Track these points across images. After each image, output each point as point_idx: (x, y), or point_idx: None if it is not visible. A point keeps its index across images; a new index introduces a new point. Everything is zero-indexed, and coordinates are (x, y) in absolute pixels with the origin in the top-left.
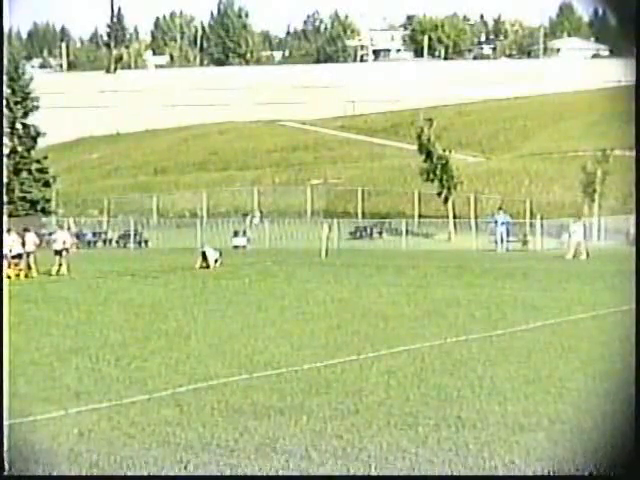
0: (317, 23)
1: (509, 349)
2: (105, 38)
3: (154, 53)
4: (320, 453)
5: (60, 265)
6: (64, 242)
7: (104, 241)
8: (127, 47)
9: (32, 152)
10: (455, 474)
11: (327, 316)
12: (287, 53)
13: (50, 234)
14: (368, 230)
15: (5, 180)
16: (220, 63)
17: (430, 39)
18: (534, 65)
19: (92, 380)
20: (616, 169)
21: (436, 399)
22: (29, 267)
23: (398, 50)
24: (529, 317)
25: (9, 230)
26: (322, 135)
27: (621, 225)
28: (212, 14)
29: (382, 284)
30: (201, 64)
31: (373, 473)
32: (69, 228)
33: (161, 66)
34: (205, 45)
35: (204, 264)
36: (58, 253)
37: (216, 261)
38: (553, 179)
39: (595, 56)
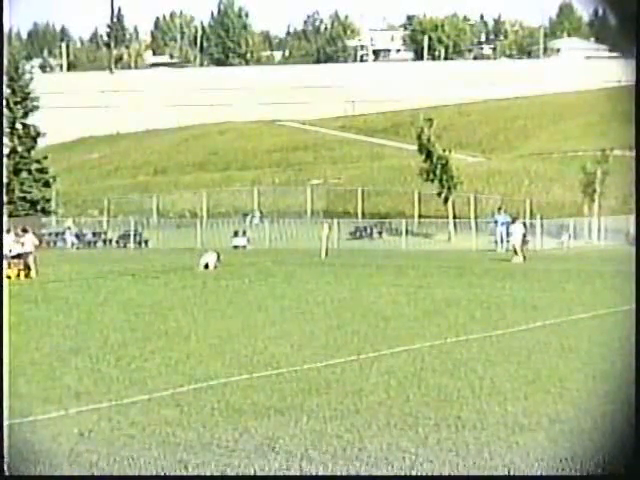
0: (317, 23)
1: (509, 349)
2: (105, 38)
3: (154, 53)
4: (320, 453)
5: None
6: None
7: (104, 241)
8: (127, 47)
9: (32, 152)
10: (455, 474)
11: (327, 316)
12: (287, 53)
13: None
14: (368, 230)
15: (5, 180)
16: (220, 63)
17: (430, 39)
18: (534, 65)
19: (92, 380)
20: (616, 169)
21: (436, 399)
22: (28, 267)
23: (398, 50)
24: (529, 317)
25: (8, 230)
26: (322, 135)
27: (621, 225)
28: (212, 14)
29: (382, 284)
30: (201, 64)
31: (373, 473)
32: (69, 228)
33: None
34: (205, 45)
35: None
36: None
37: (217, 260)
38: (553, 179)
39: (595, 56)
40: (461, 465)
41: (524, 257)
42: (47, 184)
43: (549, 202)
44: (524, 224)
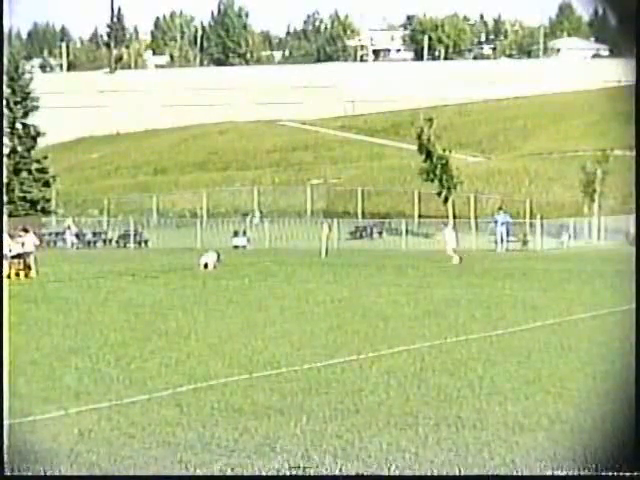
0: (317, 23)
1: (509, 349)
2: (105, 38)
3: (154, 53)
4: (320, 453)
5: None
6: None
7: (104, 241)
8: (127, 47)
9: (32, 152)
10: (455, 474)
11: (327, 316)
12: (287, 53)
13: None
14: (368, 230)
15: (5, 180)
16: (220, 63)
17: (430, 39)
18: (534, 65)
19: (92, 380)
20: (616, 169)
21: (436, 399)
22: (28, 267)
23: (398, 50)
24: (529, 317)
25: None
26: (322, 135)
27: (621, 225)
28: (212, 14)
29: (382, 284)
30: (201, 64)
31: (373, 473)
32: (69, 228)
33: (161, 66)
34: (205, 45)
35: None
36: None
37: (218, 260)
38: (553, 179)
39: (595, 56)
40: (461, 465)
41: (460, 258)
42: (47, 184)
43: (549, 202)
44: (454, 227)
